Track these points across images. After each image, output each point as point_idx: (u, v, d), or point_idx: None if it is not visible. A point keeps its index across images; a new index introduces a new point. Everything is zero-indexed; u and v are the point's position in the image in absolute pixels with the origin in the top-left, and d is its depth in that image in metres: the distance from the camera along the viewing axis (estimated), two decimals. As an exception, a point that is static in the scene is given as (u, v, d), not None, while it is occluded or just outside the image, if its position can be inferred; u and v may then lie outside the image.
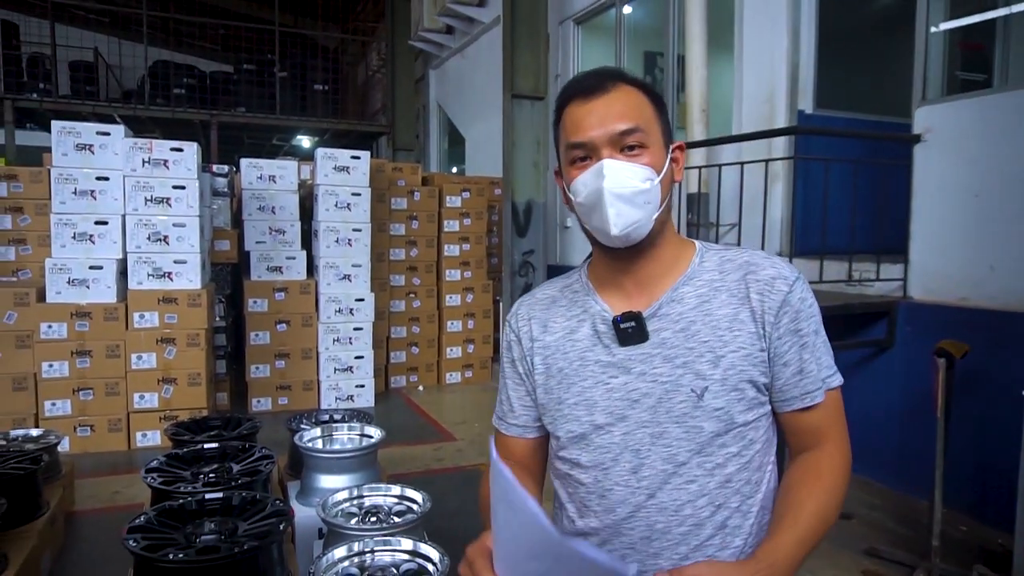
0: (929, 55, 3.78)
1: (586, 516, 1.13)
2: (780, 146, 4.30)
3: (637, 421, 1.07)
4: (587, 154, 1.04)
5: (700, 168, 4.51)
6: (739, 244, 4.01)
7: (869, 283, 3.75)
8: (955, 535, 3.11)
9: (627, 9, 6.27)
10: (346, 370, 5.57)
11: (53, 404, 4.29)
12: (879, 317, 3.69)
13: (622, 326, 1.08)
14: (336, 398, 5.56)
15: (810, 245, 3.93)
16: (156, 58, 10.42)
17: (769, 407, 1.09)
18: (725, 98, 5.06)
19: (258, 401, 5.42)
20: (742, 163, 3.89)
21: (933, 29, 3.90)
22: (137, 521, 2.18)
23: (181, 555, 1.98)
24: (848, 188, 3.81)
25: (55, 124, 4.30)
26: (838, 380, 1.10)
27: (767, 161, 3.77)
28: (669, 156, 1.07)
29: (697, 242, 1.14)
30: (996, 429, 2.95)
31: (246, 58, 11.81)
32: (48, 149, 4.26)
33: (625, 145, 1.03)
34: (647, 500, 1.06)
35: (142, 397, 4.47)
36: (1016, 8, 4.53)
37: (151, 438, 4.54)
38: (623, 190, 1.01)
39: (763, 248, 3.74)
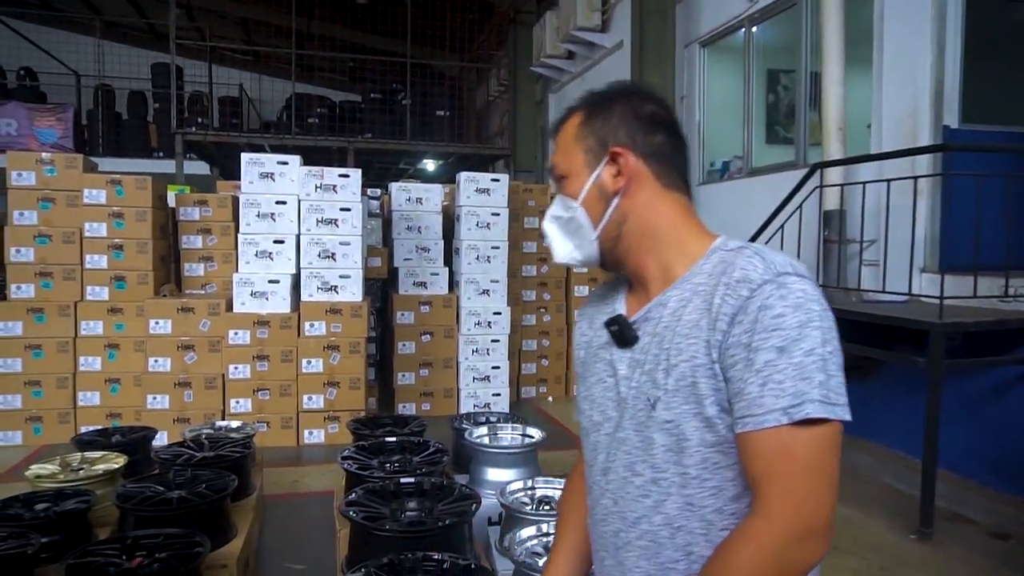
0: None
1: (588, 513, 1.15)
2: (923, 161, 4.27)
3: (615, 423, 1.05)
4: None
5: (841, 186, 4.55)
6: (884, 261, 4.02)
7: (1025, 299, 3.68)
8: None
9: (755, 29, 6.35)
10: (484, 379, 5.91)
11: (237, 402, 4.86)
12: (1036, 334, 3.61)
13: (610, 329, 1.07)
14: (474, 405, 5.90)
15: (961, 260, 3.89)
16: (292, 91, 11.39)
17: None
18: (860, 114, 5.06)
19: (403, 406, 5.85)
20: (888, 180, 3.92)
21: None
22: (351, 497, 2.55)
23: (395, 527, 2.31)
24: (1000, 202, 3.76)
25: (244, 156, 4.92)
26: (808, 411, 0.84)
27: (915, 178, 3.79)
28: (596, 172, 1.04)
29: (718, 239, 1.03)
30: None
31: (372, 88, 12.67)
32: (207, 176, 4.85)
33: (555, 178, 1.10)
34: (612, 506, 1.05)
35: (310, 398, 4.97)
36: None
37: (316, 436, 5.03)
38: (552, 222, 1.10)
39: (910, 265, 3.76)
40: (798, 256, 4.62)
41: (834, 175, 4.64)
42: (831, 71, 4.70)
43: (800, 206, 4.51)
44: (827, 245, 4.56)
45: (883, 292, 4.01)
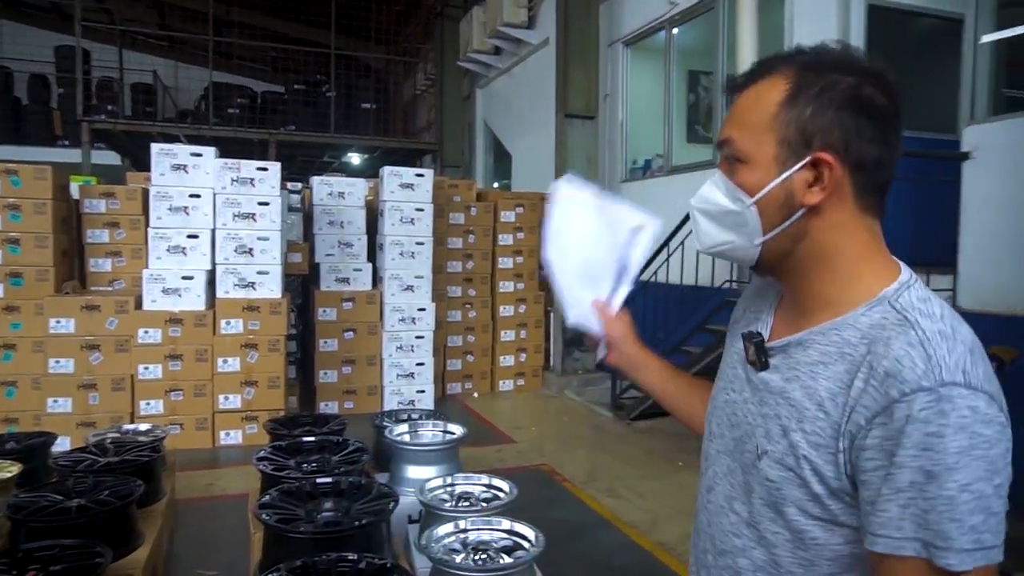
0: (977, 75, 3.95)
1: (697, 502, 1.08)
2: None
3: (726, 446, 0.97)
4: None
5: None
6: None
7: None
8: (1009, 532, 3.25)
9: (675, 31, 6.52)
10: (408, 376, 5.86)
11: (147, 403, 4.66)
12: (929, 326, 3.85)
13: (746, 344, 0.95)
14: (398, 402, 5.85)
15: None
16: (212, 79, 10.97)
17: (856, 521, 0.81)
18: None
19: (326, 404, 5.74)
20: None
21: (981, 40, 4.06)
22: (264, 499, 2.48)
23: (310, 528, 2.26)
24: (898, 204, 3.98)
25: (154, 146, 4.70)
26: (951, 562, 0.71)
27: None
28: (787, 173, 0.84)
29: (896, 283, 0.84)
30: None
31: (295, 79, 12.35)
32: (118, 167, 4.64)
33: (727, 156, 0.89)
34: (706, 525, 1.00)
35: (226, 398, 4.81)
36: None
37: (233, 437, 4.87)
38: (706, 206, 0.91)
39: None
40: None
41: (748, 174, 4.81)
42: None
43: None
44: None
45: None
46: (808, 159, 0.83)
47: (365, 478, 2.82)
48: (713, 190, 0.90)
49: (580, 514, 3.80)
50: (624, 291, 1.25)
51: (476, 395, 6.63)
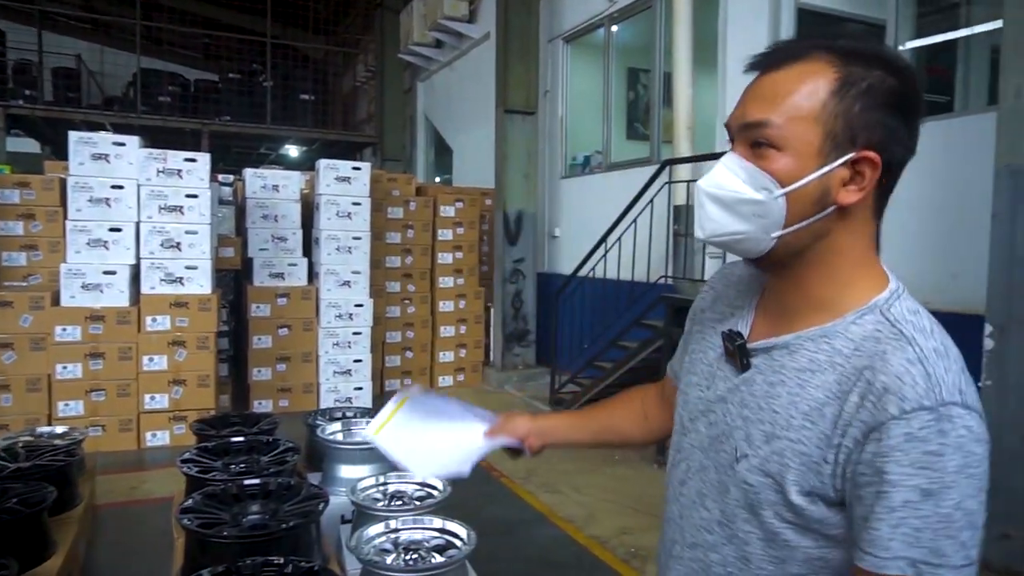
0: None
1: (667, 493, 1.06)
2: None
3: (700, 442, 0.95)
4: (732, 139, 0.86)
5: (688, 183, 4.81)
6: (724, 255, 4.29)
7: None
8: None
9: (614, 28, 6.58)
10: (345, 373, 5.76)
11: (66, 404, 4.44)
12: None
13: (726, 343, 0.93)
14: (335, 400, 5.74)
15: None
16: (141, 66, 10.51)
17: (834, 529, 0.82)
18: (710, 114, 5.37)
19: (259, 403, 5.59)
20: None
21: (901, 48, 4.22)
22: (186, 503, 2.38)
23: (234, 531, 2.19)
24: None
25: (72, 135, 4.47)
26: None
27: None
28: (829, 167, 0.79)
29: (886, 292, 0.84)
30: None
31: (231, 67, 11.96)
32: (37, 155, 4.42)
33: (755, 139, 0.81)
34: (678, 517, 0.99)
35: (153, 398, 4.62)
36: (976, 29, 4.91)
37: (160, 438, 4.69)
38: (720, 192, 0.83)
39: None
40: (649, 248, 4.86)
41: (683, 172, 4.90)
42: (681, 72, 4.95)
43: (651, 201, 4.73)
44: (676, 238, 4.81)
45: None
46: (852, 156, 0.79)
47: (295, 479, 2.75)
48: (730, 175, 0.83)
49: (517, 510, 3.80)
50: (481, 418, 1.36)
51: (416, 391, 6.56)
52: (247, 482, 2.54)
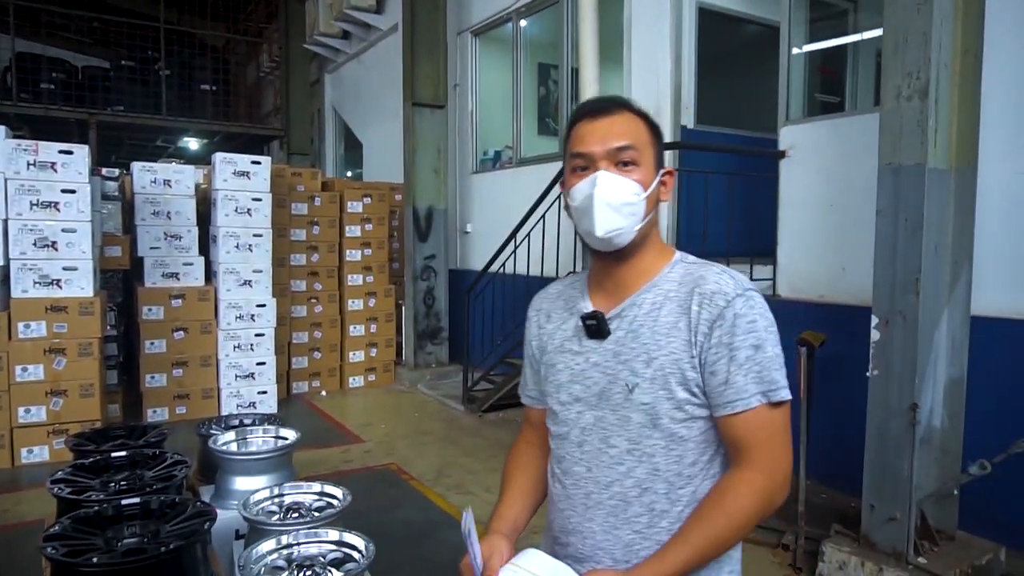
0: (792, 80, 4.25)
1: (553, 478, 1.32)
2: (667, 158, 4.67)
3: (587, 403, 1.22)
4: (586, 164, 1.18)
5: (594, 177, 4.83)
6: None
7: (744, 283, 4.15)
8: (817, 501, 3.54)
9: (523, 23, 6.55)
10: (248, 376, 5.50)
11: (-74, 421, 4.03)
12: (753, 313, 4.10)
13: (586, 323, 1.22)
14: (238, 405, 5.48)
15: (692, 249, 4.29)
16: (19, 49, 9.68)
17: (706, 411, 1.15)
18: (615, 112, 5.42)
19: (154, 411, 5.27)
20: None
21: (795, 51, 4.37)
22: (53, 530, 2.17)
23: (105, 558, 2.00)
24: (725, 198, 4.22)
25: (-73, 123, 4.04)
26: (779, 396, 1.12)
27: (654, 172, 4.11)
28: (658, 179, 1.20)
29: (677, 253, 1.25)
30: (847, 407, 3.40)
31: (125, 54, 11.21)
32: None
33: (620, 160, 1.16)
34: (586, 472, 1.22)
35: (28, 411, 4.26)
36: (866, 35, 5.15)
37: (38, 454, 4.33)
38: (610, 198, 1.14)
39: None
40: (558, 244, 4.85)
41: (590, 168, 4.91)
42: (587, 68, 4.96)
43: (560, 196, 4.71)
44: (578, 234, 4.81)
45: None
46: (663, 171, 1.23)
47: (182, 495, 2.57)
48: (615, 185, 1.16)
49: (427, 514, 3.71)
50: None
51: (324, 393, 6.36)
52: (125, 502, 2.34)
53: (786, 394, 1.13)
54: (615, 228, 1.15)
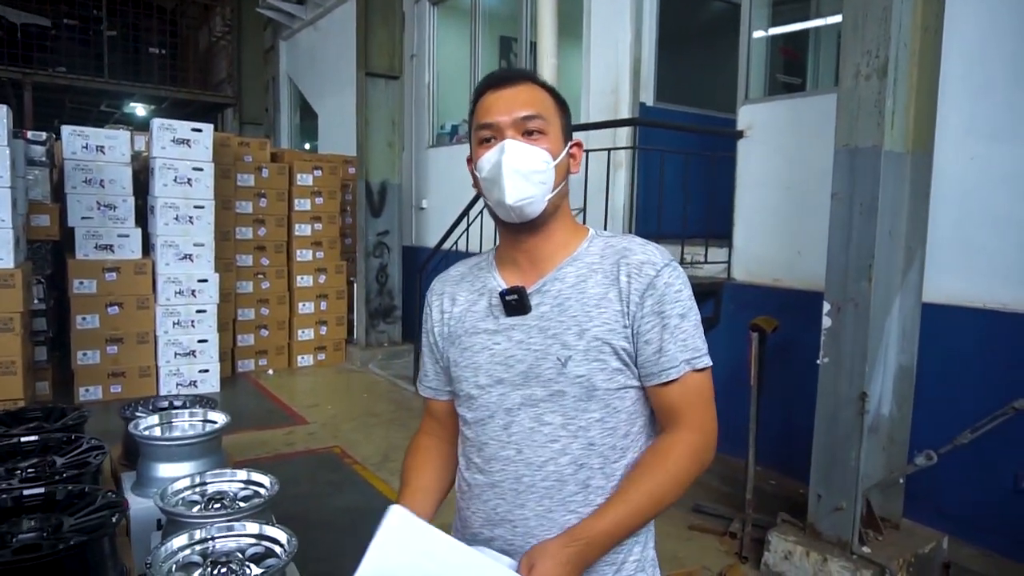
0: (752, 59, 4.15)
1: (470, 468, 1.25)
2: (624, 135, 4.56)
3: (511, 383, 1.17)
4: (493, 135, 1.15)
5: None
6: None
7: (699, 265, 4.09)
8: (766, 488, 3.50)
9: (482, -7, 6.34)
10: (188, 354, 5.28)
11: None
12: (708, 297, 4.04)
13: (507, 299, 1.18)
14: (177, 384, 5.26)
15: (647, 229, 4.21)
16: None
17: (636, 381, 1.16)
18: (575, 86, 5.27)
19: (87, 390, 5.02)
20: (587, 151, 4.08)
21: (755, 35, 4.27)
22: (-61, 524, 1.98)
23: (-4, 556, 1.83)
24: (683, 178, 4.11)
25: None
26: (703, 363, 1.15)
27: (609, 150, 3.99)
28: (567, 150, 1.18)
29: (591, 229, 1.24)
30: (798, 394, 3.35)
31: (67, 11, 10.64)
32: None
33: (526, 129, 1.14)
34: (516, 455, 1.17)
35: (-57, 389, 3.99)
36: (829, 20, 5.08)
37: (-44, 435, 4.06)
38: (519, 166, 1.11)
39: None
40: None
41: (547, 144, 4.77)
42: (545, 42, 4.78)
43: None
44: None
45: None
46: (573, 142, 1.22)
47: (94, 485, 2.39)
48: (523, 153, 1.13)
49: (368, 499, 3.58)
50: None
51: (271, 372, 6.16)
52: (27, 492, 2.16)
53: (708, 360, 1.16)
54: (525, 196, 1.13)
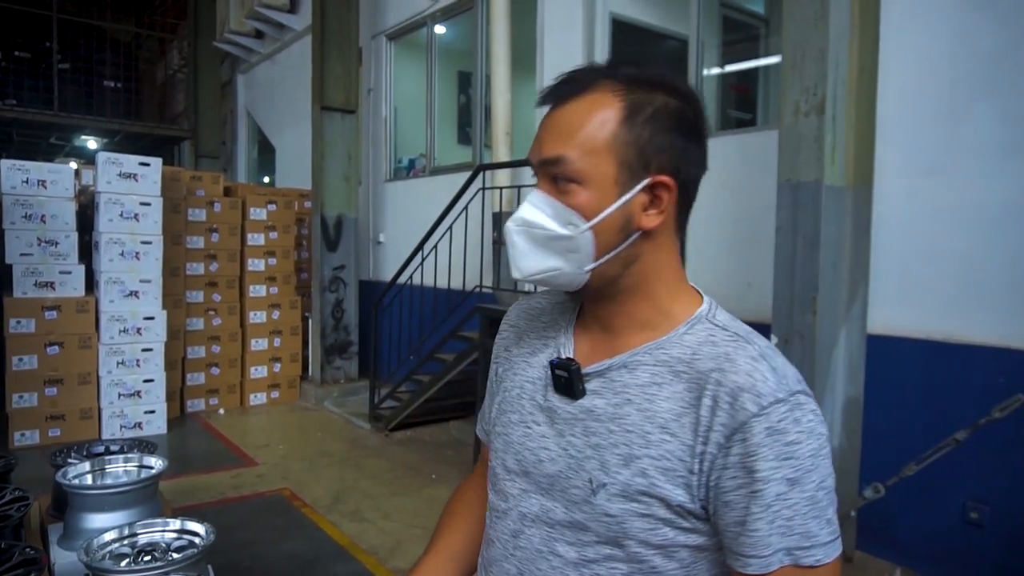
0: (704, 95, 4.21)
1: (480, 561, 1.00)
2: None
3: (536, 484, 0.89)
4: (535, 174, 0.85)
5: (502, 189, 4.70)
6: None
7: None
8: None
9: (440, 29, 6.38)
10: (132, 395, 5.09)
11: None
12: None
13: (556, 372, 0.89)
14: (121, 426, 5.06)
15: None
16: None
17: (700, 540, 0.80)
18: (529, 119, 5.31)
19: (22, 435, 4.80)
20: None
21: (705, 72, 4.36)
22: None
23: None
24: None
25: None
26: (818, 557, 0.74)
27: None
28: (628, 195, 0.80)
29: (705, 303, 0.87)
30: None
31: (20, 43, 10.47)
32: None
33: (555, 175, 0.81)
34: (516, 573, 0.90)
35: None
36: (774, 59, 5.22)
37: None
38: (530, 229, 0.82)
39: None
40: (465, 256, 4.68)
41: (502, 178, 4.78)
42: (499, 77, 4.84)
43: (466, 207, 4.55)
44: (495, 246, 4.67)
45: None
46: (648, 181, 0.80)
47: (13, 540, 2.25)
48: (537, 213, 0.82)
49: (316, 544, 3.45)
50: None
51: (222, 412, 5.98)
52: (-62, 550, 2.03)
53: (827, 554, 0.74)
54: (544, 269, 0.83)
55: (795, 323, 2.69)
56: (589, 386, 0.86)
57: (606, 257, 0.82)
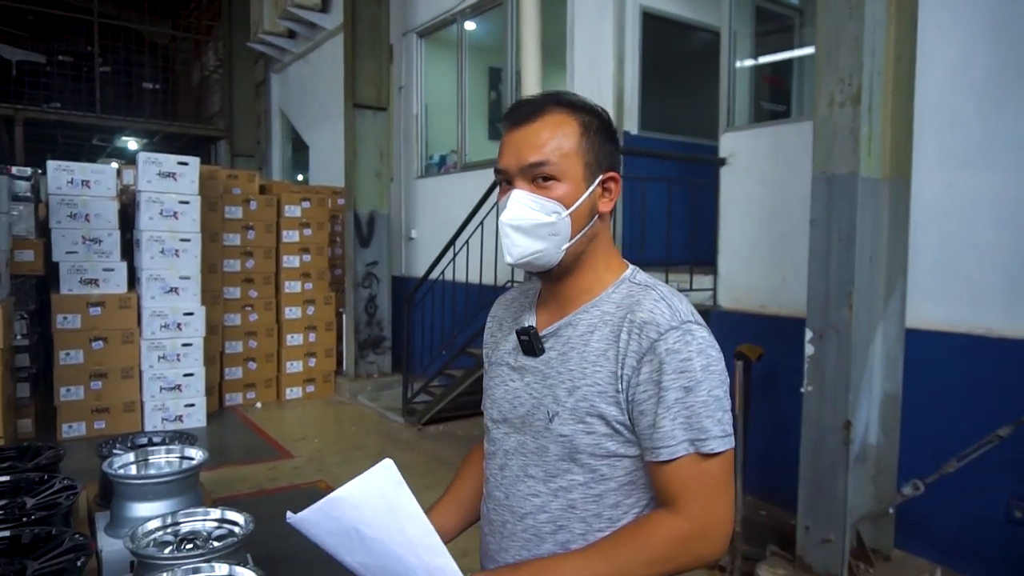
0: (735, 87, 4.17)
1: (482, 498, 1.25)
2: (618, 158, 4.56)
3: (512, 425, 1.15)
4: (508, 179, 1.08)
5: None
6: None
7: (685, 292, 4.06)
8: (756, 519, 3.45)
9: (470, 25, 6.40)
10: (174, 389, 5.22)
11: None
12: (694, 324, 4.00)
13: (521, 338, 1.14)
14: (163, 419, 5.20)
15: (632, 256, 4.18)
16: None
17: (637, 451, 1.05)
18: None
19: (70, 427, 4.95)
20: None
21: (740, 64, 4.31)
22: None
23: (-48, 605, 1.78)
24: (666, 205, 4.12)
25: None
26: (711, 447, 0.99)
27: (594, 178, 3.99)
28: (591, 188, 1.07)
29: (629, 269, 1.14)
30: (786, 423, 3.31)
31: (62, 48, 10.76)
32: None
33: (537, 176, 1.05)
34: (504, 499, 1.15)
35: (-79, 428, 3.93)
36: (808, 50, 5.13)
37: (-67, 474, 3.99)
38: (521, 222, 1.04)
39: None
40: (496, 251, 4.69)
41: (532, 173, 4.78)
42: (529, 72, 4.83)
43: (497, 203, 4.56)
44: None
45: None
46: (602, 177, 1.09)
47: (64, 527, 2.33)
48: (525, 207, 1.04)
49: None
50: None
51: (259, 405, 6.09)
52: (-8, 536, 2.11)
53: (719, 445, 1.00)
54: (530, 252, 1.06)
55: (830, 318, 2.66)
56: (547, 344, 1.12)
57: (578, 236, 1.07)
